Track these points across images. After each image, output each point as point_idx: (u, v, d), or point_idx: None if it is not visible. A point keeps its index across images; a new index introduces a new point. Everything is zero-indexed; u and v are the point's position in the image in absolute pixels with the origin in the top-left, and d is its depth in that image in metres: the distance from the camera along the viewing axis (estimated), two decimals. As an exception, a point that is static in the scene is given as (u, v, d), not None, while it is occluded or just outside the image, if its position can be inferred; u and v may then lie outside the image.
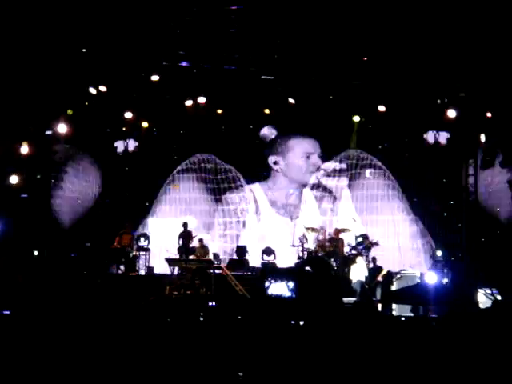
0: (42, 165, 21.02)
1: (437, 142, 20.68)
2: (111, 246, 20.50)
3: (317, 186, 22.37)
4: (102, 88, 19.74)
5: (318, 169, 22.30)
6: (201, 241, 20.32)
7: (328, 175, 22.30)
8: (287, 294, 17.67)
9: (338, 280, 18.48)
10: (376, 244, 19.73)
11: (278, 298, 17.54)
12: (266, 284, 17.71)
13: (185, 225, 20.81)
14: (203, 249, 20.21)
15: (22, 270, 17.57)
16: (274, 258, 20.35)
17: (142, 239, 21.20)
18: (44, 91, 19.08)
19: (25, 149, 19.78)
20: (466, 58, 17.78)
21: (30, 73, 18.09)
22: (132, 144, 22.11)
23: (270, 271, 18.62)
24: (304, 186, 22.44)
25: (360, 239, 19.72)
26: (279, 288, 17.74)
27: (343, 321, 11.82)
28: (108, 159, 22.26)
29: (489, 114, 19.41)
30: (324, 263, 18.89)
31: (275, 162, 22.58)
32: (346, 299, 17.22)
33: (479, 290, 16.44)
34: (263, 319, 12.69)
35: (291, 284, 17.64)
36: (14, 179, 19.64)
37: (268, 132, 22.51)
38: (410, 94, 20.01)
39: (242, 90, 20.61)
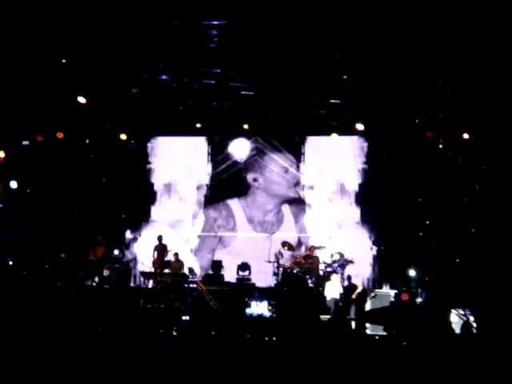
0: (18, 174, 20.91)
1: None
2: (86, 258, 20.40)
3: (294, 201, 22.37)
4: (82, 99, 19.61)
5: (298, 182, 22.30)
6: (176, 255, 20.25)
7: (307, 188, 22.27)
8: (267, 313, 17.72)
9: (314, 297, 18.51)
10: (351, 262, 19.76)
11: (259, 317, 17.59)
12: (246, 303, 17.81)
13: (160, 238, 20.77)
14: (178, 263, 20.15)
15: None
16: (249, 273, 20.30)
17: (117, 251, 21.11)
18: (23, 101, 19.00)
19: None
20: (444, 78, 17.94)
21: (9, 82, 18.01)
22: None
23: (250, 290, 18.64)
24: (284, 201, 22.44)
25: (336, 257, 19.72)
26: (259, 308, 17.82)
27: (320, 338, 11.85)
28: (85, 170, 22.20)
29: (466, 136, 19.55)
30: (300, 281, 18.92)
31: (254, 179, 22.57)
32: (320, 317, 17.26)
33: (452, 310, 16.49)
34: (240, 336, 12.69)
35: (271, 304, 17.74)
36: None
37: (237, 149, 22.52)
38: (390, 113, 20.12)
39: (221, 105, 20.64)
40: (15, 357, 9.97)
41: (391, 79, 18.27)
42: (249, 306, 17.93)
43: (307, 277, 19.38)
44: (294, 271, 19.37)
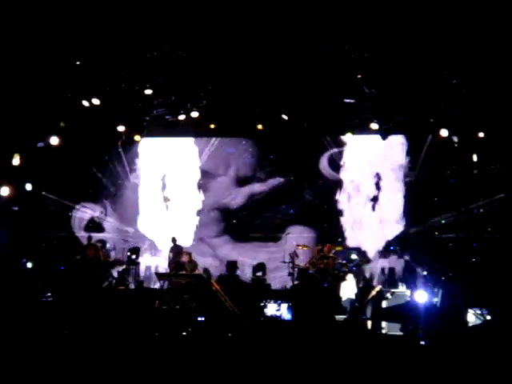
0: (33, 177, 20.93)
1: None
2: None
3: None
4: (95, 101, 19.54)
5: None
6: (189, 255, 20.19)
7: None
8: (286, 315, 17.67)
9: (329, 297, 18.43)
10: (367, 262, 19.67)
11: (276, 318, 17.54)
12: (263, 304, 17.81)
13: (174, 240, 20.73)
14: (192, 263, 20.08)
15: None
16: (264, 274, 20.24)
17: (132, 254, 21.00)
18: (36, 103, 19.01)
19: (16, 160, 19.66)
20: (459, 76, 17.85)
21: (21, 85, 18.03)
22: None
23: (266, 292, 18.66)
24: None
25: (353, 256, 19.64)
26: (277, 309, 17.84)
27: (335, 338, 11.76)
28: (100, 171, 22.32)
29: (481, 134, 19.40)
30: (316, 281, 18.85)
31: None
32: (336, 317, 17.18)
33: (469, 310, 16.38)
34: (258, 338, 12.64)
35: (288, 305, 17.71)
36: (4, 191, 19.52)
37: None
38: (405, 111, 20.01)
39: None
40: (35, 355, 10.01)
41: (406, 78, 18.22)
42: (266, 307, 17.97)
43: (322, 277, 19.30)
44: (310, 271, 19.29)
